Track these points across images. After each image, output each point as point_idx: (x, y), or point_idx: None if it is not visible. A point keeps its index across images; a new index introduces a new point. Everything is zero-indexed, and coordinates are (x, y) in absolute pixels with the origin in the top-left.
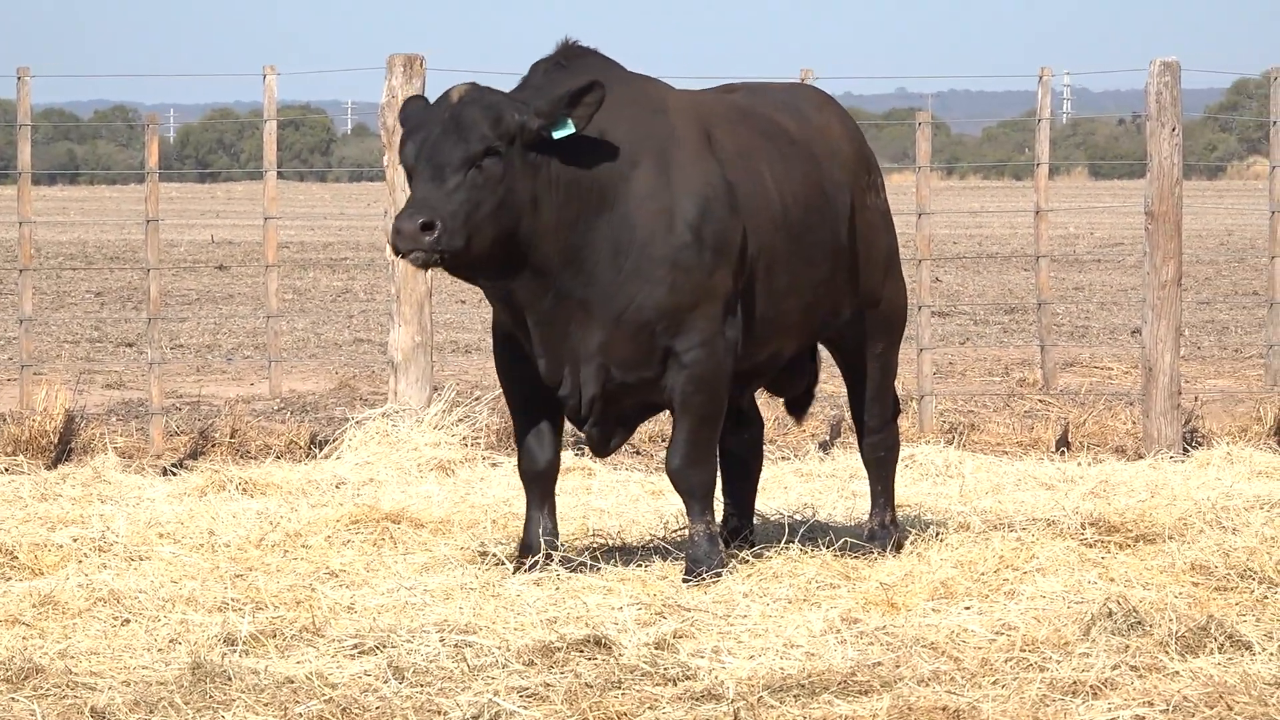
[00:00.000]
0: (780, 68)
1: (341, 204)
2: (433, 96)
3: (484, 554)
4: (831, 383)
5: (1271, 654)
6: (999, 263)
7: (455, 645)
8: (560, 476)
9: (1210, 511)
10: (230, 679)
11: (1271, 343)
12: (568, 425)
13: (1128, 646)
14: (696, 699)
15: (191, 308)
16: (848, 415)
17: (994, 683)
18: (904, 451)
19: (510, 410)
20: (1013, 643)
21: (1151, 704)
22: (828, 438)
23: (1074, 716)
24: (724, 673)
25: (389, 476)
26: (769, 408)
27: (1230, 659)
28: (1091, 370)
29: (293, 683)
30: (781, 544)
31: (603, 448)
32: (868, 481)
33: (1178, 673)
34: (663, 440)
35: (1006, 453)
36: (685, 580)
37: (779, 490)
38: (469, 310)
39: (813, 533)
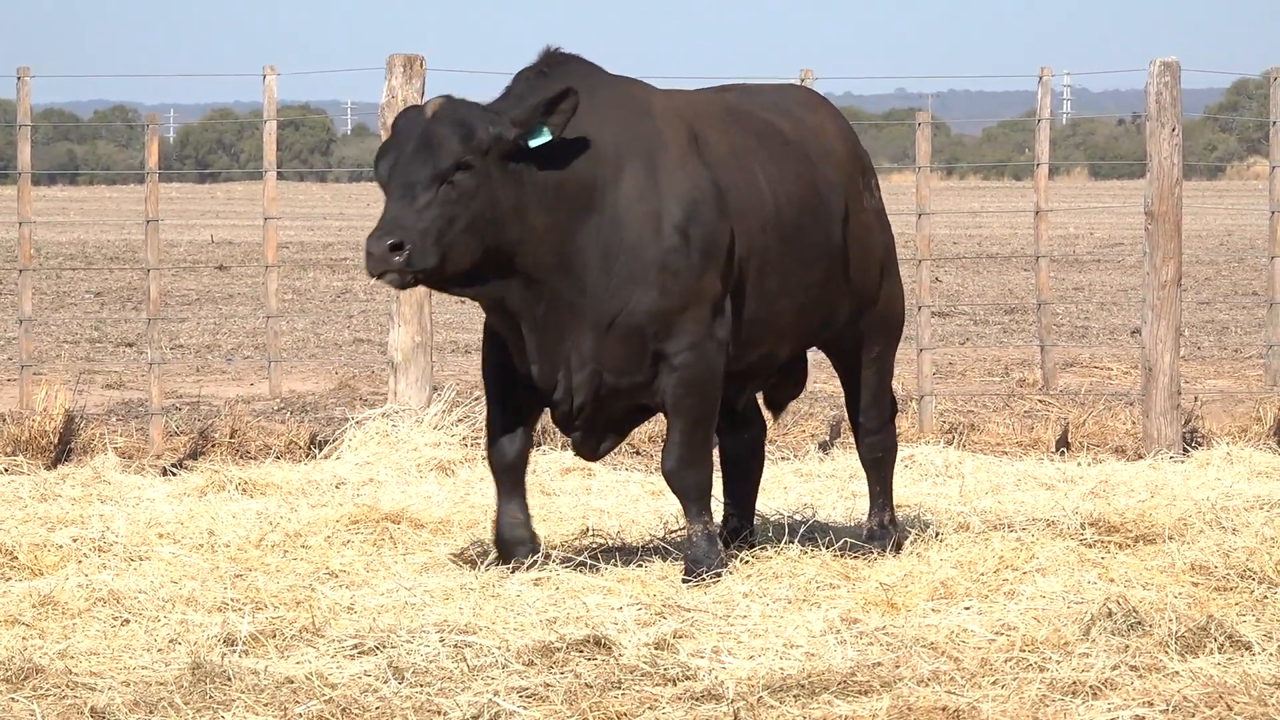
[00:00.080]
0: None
1: (341, 204)
2: (432, 97)
3: (484, 554)
4: (831, 383)
5: (1271, 654)
6: (999, 263)
7: (455, 645)
8: (560, 476)
9: (1210, 511)
10: (230, 679)
11: (1271, 343)
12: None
13: (1128, 647)
14: (696, 699)
15: (191, 308)
16: (846, 416)
17: (994, 683)
18: (904, 452)
19: (487, 399)
20: (1012, 643)
21: (1151, 704)
22: (827, 438)
23: (1074, 716)
24: (724, 673)
25: (389, 477)
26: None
27: (1230, 659)
28: (1091, 370)
29: (292, 683)
30: (781, 544)
31: (593, 452)
32: (866, 482)
33: (1177, 673)
34: (662, 440)
35: (1006, 453)
36: (685, 580)
37: (779, 491)
38: (469, 310)
39: (812, 533)
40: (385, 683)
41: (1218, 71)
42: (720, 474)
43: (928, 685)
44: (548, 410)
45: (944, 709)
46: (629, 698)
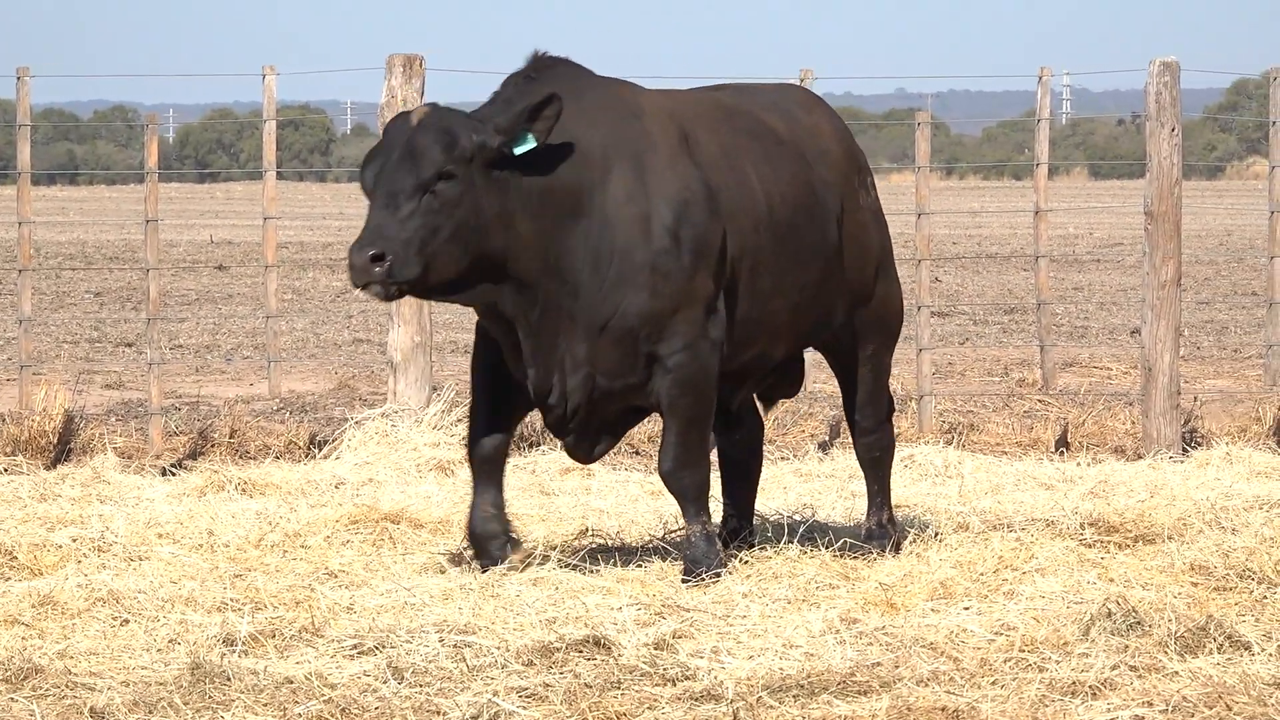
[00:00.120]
0: (780, 68)
1: (341, 204)
2: (431, 97)
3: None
4: (831, 383)
5: (1270, 654)
6: (998, 263)
7: (454, 645)
8: (560, 476)
9: (1209, 512)
10: (229, 679)
11: (1271, 343)
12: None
13: (1127, 647)
14: (696, 699)
15: (191, 308)
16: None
17: (993, 683)
18: (903, 452)
19: (472, 393)
20: (1012, 643)
21: (1151, 704)
22: (827, 438)
23: (1073, 716)
24: (723, 673)
25: (388, 477)
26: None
27: (1229, 659)
28: (1091, 370)
29: (292, 683)
30: (781, 544)
31: (587, 455)
32: (864, 482)
33: (1177, 673)
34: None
35: (1006, 453)
36: (684, 581)
37: (778, 491)
38: (468, 310)
39: (812, 533)
40: (385, 683)
41: (1217, 71)
42: (719, 474)
43: (927, 685)
44: (540, 413)
45: (943, 709)
46: (628, 698)
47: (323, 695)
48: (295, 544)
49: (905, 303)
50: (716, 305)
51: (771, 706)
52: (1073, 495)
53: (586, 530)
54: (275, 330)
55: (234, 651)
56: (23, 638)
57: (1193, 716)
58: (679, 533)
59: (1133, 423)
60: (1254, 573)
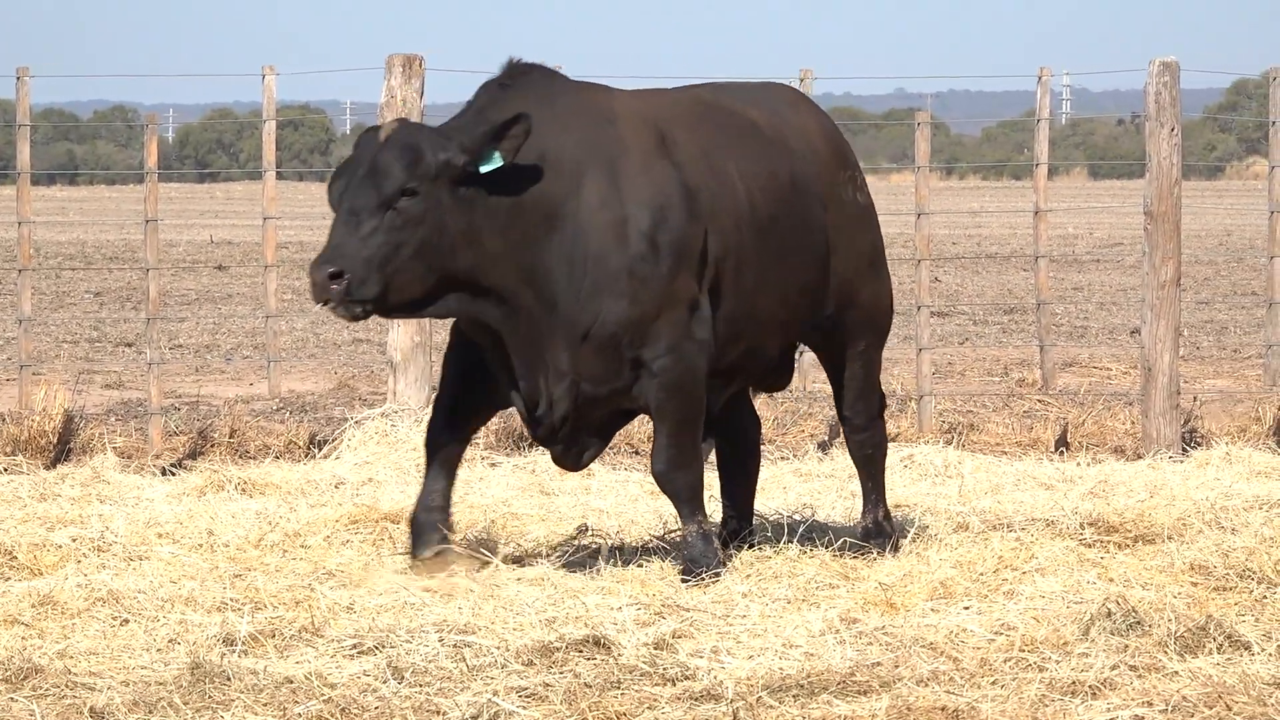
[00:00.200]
0: (780, 68)
1: None
2: (431, 97)
3: (484, 553)
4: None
5: (1270, 654)
6: (998, 263)
7: (454, 645)
8: (560, 476)
9: (1209, 511)
10: (229, 679)
11: (1270, 343)
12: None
13: (1127, 646)
14: (695, 699)
15: (190, 308)
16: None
17: (993, 683)
18: (903, 451)
19: (440, 387)
20: (1012, 643)
21: (1151, 704)
22: (826, 438)
23: (1073, 716)
24: (723, 673)
25: (388, 476)
26: (767, 407)
27: (1229, 659)
28: (1090, 370)
29: (292, 683)
30: (780, 544)
31: (576, 462)
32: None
33: (1177, 673)
34: None
35: (1005, 453)
36: (684, 581)
37: (778, 491)
38: None
39: (811, 533)
40: (385, 683)
41: (1217, 71)
42: (718, 475)
43: (927, 685)
44: (527, 428)
45: (943, 709)
46: (628, 698)
47: (323, 695)
48: (295, 544)
49: (906, 303)
50: (700, 306)
51: (771, 706)
52: (1073, 495)
53: (587, 530)
54: (275, 330)
55: (234, 651)
56: (23, 638)
57: (1193, 716)
58: (678, 532)
59: (1132, 423)
60: (1254, 573)
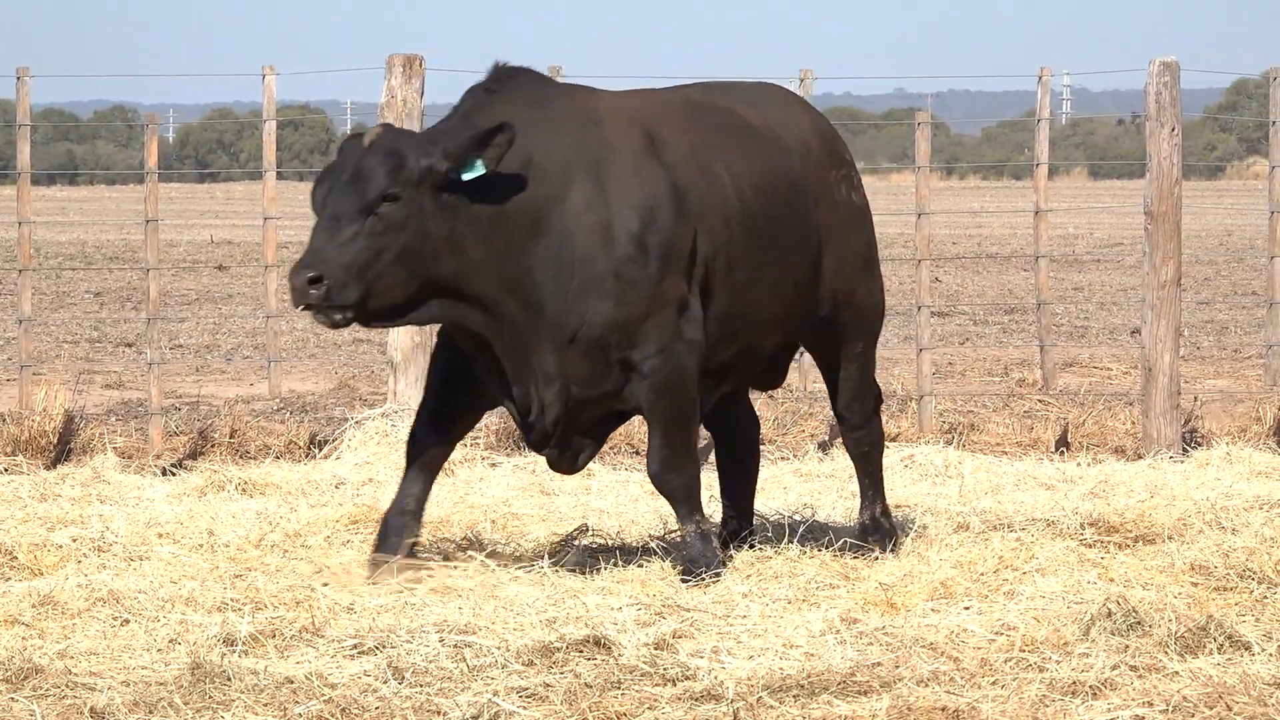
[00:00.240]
0: (780, 68)
1: None
2: (431, 97)
3: (487, 553)
4: None
5: (1271, 654)
6: (998, 263)
7: (455, 645)
8: (560, 476)
9: (1210, 512)
10: (230, 679)
11: (1271, 343)
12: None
13: (1127, 647)
14: (696, 699)
15: (191, 308)
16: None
17: (993, 683)
18: (903, 451)
19: (425, 390)
20: (1012, 643)
21: (1151, 704)
22: (826, 438)
23: (1073, 716)
24: (723, 673)
25: (388, 476)
26: (767, 407)
27: (1230, 659)
28: (1091, 370)
29: (292, 683)
30: (781, 545)
31: (571, 466)
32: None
33: (1177, 673)
34: None
35: (1006, 453)
36: (684, 581)
37: (778, 491)
38: None
39: (812, 533)
40: (385, 683)
41: (1217, 71)
42: (718, 475)
43: (927, 685)
44: (521, 434)
45: (944, 709)
46: (628, 698)
47: (323, 695)
48: (295, 544)
49: (906, 303)
50: (690, 306)
51: (771, 706)
52: (1073, 495)
53: (587, 530)
54: (275, 330)
55: (234, 651)
56: (23, 638)
57: (1193, 716)
58: (678, 533)
59: (1133, 423)
60: (1254, 573)
